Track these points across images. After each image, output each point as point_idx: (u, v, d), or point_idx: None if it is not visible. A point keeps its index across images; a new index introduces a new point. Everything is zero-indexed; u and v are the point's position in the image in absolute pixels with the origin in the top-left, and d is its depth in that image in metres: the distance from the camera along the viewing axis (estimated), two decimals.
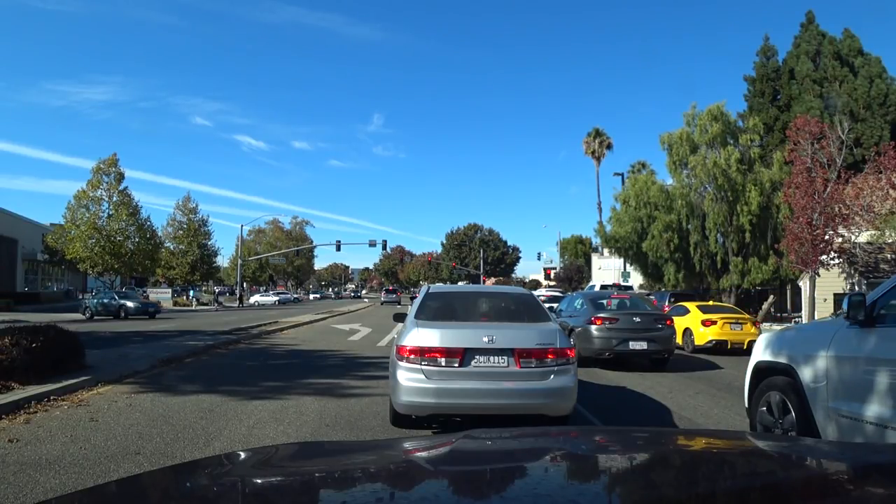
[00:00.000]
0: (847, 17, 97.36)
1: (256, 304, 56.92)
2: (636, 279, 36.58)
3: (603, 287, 30.65)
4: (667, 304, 20.04)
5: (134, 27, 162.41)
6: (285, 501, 1.37)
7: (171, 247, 50.21)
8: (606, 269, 45.74)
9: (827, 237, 21.22)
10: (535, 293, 17.15)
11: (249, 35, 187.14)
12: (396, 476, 1.52)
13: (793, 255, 21.88)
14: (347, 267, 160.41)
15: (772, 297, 28.18)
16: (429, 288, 7.26)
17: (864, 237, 23.25)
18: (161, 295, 45.13)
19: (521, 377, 5.55)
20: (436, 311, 6.38)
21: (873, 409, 3.93)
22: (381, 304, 55.39)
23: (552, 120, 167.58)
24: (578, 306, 13.49)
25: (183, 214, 51.71)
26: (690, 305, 17.06)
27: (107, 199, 36.54)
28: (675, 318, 14.71)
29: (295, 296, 71.71)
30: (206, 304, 48.82)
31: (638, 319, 12.09)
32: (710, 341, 15.17)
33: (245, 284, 65.10)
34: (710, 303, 19.57)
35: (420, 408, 5.58)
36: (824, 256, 21.63)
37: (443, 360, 5.49)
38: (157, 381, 8.98)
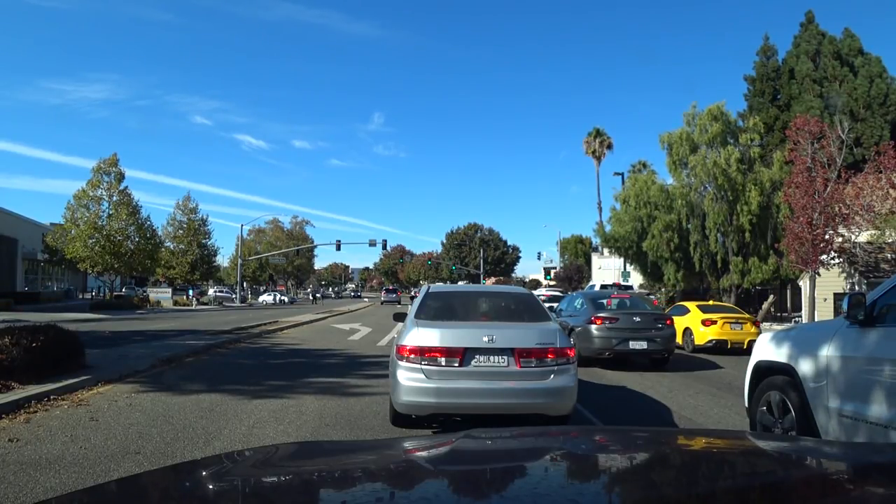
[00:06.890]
0: (847, 17, 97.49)
1: (264, 303, 56.90)
2: (636, 279, 36.56)
3: (603, 287, 30.64)
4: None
5: (130, 24, 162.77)
6: (285, 501, 1.37)
7: (171, 246, 50.21)
8: (606, 269, 45.71)
9: (827, 237, 21.19)
10: (535, 293, 17.14)
11: (247, 32, 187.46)
12: (396, 476, 1.52)
13: (793, 255, 21.86)
14: (347, 266, 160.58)
15: (772, 296, 28.18)
16: (429, 288, 7.25)
17: (864, 237, 23.21)
18: (161, 295, 45.14)
19: (521, 377, 5.54)
20: (436, 310, 6.37)
21: (873, 409, 3.93)
22: (381, 303, 55.41)
23: (552, 120, 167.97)
24: (578, 306, 13.50)
25: (183, 214, 51.71)
26: (690, 305, 17.06)
27: (107, 198, 36.47)
28: (675, 318, 14.72)
29: (283, 298, 63.12)
30: (206, 304, 48.87)
31: (638, 319, 12.10)
32: (710, 341, 15.18)
33: (245, 284, 64.90)
34: (711, 302, 19.56)
35: (420, 407, 5.58)
36: (824, 256, 21.60)
37: (443, 359, 5.49)
38: (158, 381, 8.98)
